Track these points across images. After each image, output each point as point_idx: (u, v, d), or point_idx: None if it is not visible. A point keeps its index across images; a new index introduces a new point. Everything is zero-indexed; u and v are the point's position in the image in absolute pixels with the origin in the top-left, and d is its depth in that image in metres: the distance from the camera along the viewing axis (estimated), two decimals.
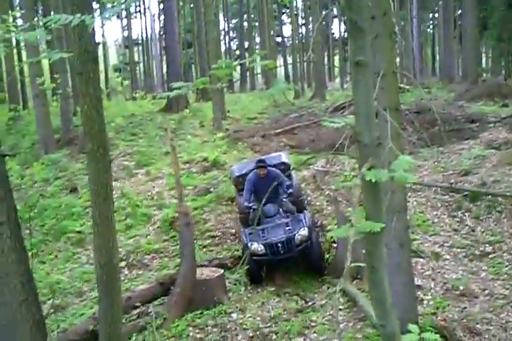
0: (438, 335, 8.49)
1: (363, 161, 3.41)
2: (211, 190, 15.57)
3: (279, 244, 10.73)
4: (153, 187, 16.79)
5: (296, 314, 9.82)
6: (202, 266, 10.85)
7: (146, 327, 9.63)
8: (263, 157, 13.07)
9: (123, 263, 12.41)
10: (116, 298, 6.06)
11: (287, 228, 10.91)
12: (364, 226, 3.40)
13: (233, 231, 13.53)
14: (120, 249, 12.67)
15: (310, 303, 10.31)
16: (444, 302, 9.84)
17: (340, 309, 9.94)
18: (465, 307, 9.78)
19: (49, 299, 10.91)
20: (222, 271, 10.63)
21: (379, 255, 3.74)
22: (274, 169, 11.82)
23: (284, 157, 13.05)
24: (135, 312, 10.09)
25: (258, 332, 9.41)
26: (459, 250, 11.89)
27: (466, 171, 15.18)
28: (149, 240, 13.49)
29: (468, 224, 12.94)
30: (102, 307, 6.07)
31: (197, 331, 9.54)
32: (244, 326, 9.63)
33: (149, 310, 9.95)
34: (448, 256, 11.69)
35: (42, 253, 13.58)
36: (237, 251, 12.30)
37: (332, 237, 12.12)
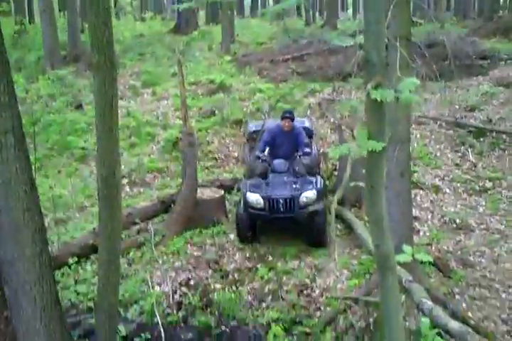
0: (432, 266, 8.82)
1: (370, 81, 3.38)
2: (216, 112, 15.50)
3: (281, 201, 9.45)
4: (159, 107, 16.72)
5: (292, 239, 9.98)
6: (203, 186, 10.93)
7: (144, 243, 9.83)
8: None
9: (125, 181, 12.53)
10: (117, 211, 6.11)
11: (294, 186, 9.62)
12: (366, 145, 3.40)
13: (236, 154, 13.59)
14: (123, 167, 12.77)
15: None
16: (440, 234, 10.03)
17: (336, 235, 10.11)
18: (460, 240, 9.97)
19: (51, 212, 11.06)
20: (222, 192, 10.75)
21: (379, 175, 3.78)
22: (299, 126, 10.65)
23: (308, 123, 11.92)
24: (135, 228, 10.26)
25: (255, 253, 9.61)
26: (459, 184, 11.99)
27: (472, 107, 15.10)
28: (152, 159, 13.56)
29: (471, 160, 13.00)
30: (102, 219, 6.14)
31: (195, 249, 9.74)
32: (241, 246, 9.83)
33: (149, 227, 10.13)
34: (448, 190, 11.80)
35: (45, 167, 13.67)
36: (239, 174, 12.37)
37: (334, 164, 12.22)
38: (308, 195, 9.51)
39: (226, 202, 11.02)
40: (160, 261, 9.39)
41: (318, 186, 9.80)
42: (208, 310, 8.42)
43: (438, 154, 13.21)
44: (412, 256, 4.07)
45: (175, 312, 8.45)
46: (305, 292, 8.60)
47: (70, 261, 9.18)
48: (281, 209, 9.42)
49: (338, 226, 10.25)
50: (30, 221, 5.89)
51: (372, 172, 3.79)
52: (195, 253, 9.58)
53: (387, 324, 4.40)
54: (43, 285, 6.03)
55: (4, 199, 5.77)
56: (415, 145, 13.14)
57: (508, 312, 8.18)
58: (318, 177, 10.07)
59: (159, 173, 13.02)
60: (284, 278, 8.87)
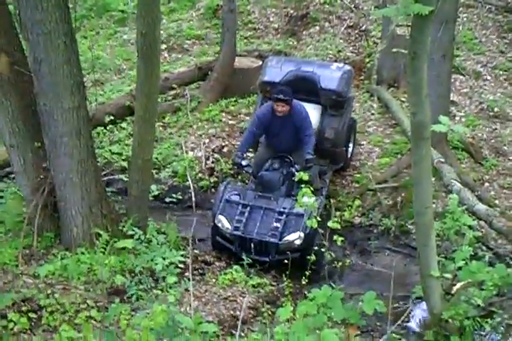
0: (464, 151, 8.77)
1: None
2: None
3: (254, 243, 7.02)
4: None
5: None
6: (241, 56, 10.76)
7: (180, 109, 9.91)
8: (294, 71, 8.15)
9: (163, 46, 12.32)
10: (155, 69, 6.07)
11: (275, 224, 7.00)
12: (412, 7, 3.24)
13: (276, 26, 13.17)
14: (161, 32, 12.55)
15: None
16: (476, 121, 9.86)
17: (372, 114, 10.05)
18: (495, 129, 9.82)
19: (88, 73, 11.04)
20: (260, 62, 10.55)
21: (423, 41, 3.65)
22: (301, 106, 7.43)
23: (339, 77, 8.09)
24: (171, 93, 10.27)
25: None
26: (501, 72, 11.60)
27: None
28: (191, 25, 13.21)
29: None
30: (140, 77, 6.12)
31: (229, 117, 9.78)
32: None
33: (185, 93, 10.13)
34: (489, 77, 11.45)
35: (83, 28, 13.46)
36: (279, 45, 12.10)
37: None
38: (291, 238, 6.97)
39: None
40: (195, 127, 9.49)
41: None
42: (239, 177, 8.57)
43: (483, 40, 12.66)
44: (449, 127, 3.97)
45: (207, 177, 8.63)
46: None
47: (107, 119, 9.28)
48: (253, 252, 7.02)
49: (374, 105, 10.15)
50: (69, 74, 5.87)
51: (417, 38, 3.65)
52: (230, 122, 9.63)
53: (416, 198, 4.44)
54: (80, 138, 6.11)
55: (44, 50, 5.71)
56: (460, 28, 12.62)
57: None
58: (318, 201, 6.91)
59: (198, 40, 12.75)
60: None
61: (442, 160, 7.95)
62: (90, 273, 5.88)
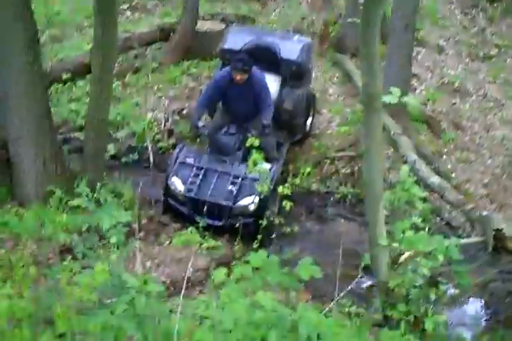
0: (423, 124, 8.85)
1: None
2: None
3: (207, 206, 6.88)
4: None
5: None
6: (205, 19, 10.59)
7: (141, 69, 9.74)
8: (255, 41, 8.02)
9: (125, 6, 12.11)
10: (112, 28, 5.97)
11: (230, 187, 6.90)
12: None
13: None
14: None
15: None
16: (437, 94, 9.95)
17: (333, 83, 10.06)
18: (455, 103, 9.95)
19: (46, 28, 10.74)
20: (223, 26, 10.41)
21: (376, 11, 3.63)
22: (261, 75, 7.21)
23: (300, 49, 8.04)
24: (132, 53, 10.10)
25: None
26: (463, 48, 11.70)
27: None
28: None
29: (480, 24, 12.57)
30: (96, 36, 6.00)
31: (190, 79, 9.67)
32: None
33: (146, 53, 9.98)
34: (451, 52, 11.54)
35: None
36: (243, 10, 11.94)
37: None
38: (245, 202, 6.85)
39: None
40: (155, 88, 9.38)
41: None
42: (197, 140, 8.51)
43: (448, 14, 12.74)
44: (399, 98, 3.94)
45: (165, 139, 8.57)
46: None
47: (64, 76, 9.10)
48: (205, 214, 6.89)
49: (336, 74, 10.15)
50: (21, 29, 5.73)
51: (370, 7, 3.62)
52: (191, 84, 9.53)
53: (366, 168, 4.48)
54: (34, 95, 6.03)
55: None
56: (424, 0, 12.63)
57: (490, 177, 8.40)
58: (273, 168, 6.99)
59: (161, 2, 12.51)
60: None
61: (399, 131, 8.02)
62: (42, 230, 5.83)
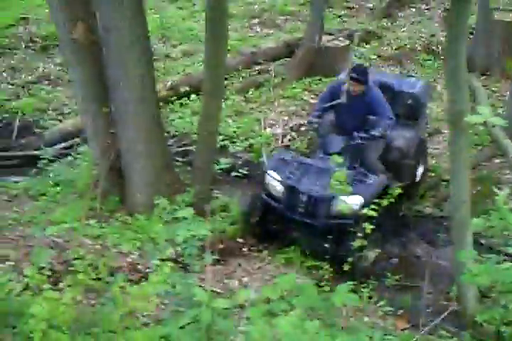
0: None
1: None
2: None
3: (304, 198, 6.29)
4: None
5: None
6: (330, 34, 10.54)
7: (264, 84, 9.87)
8: (379, 76, 7.64)
9: (256, 21, 12.33)
10: (223, 44, 6.21)
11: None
12: None
13: (371, 6, 12.79)
14: (255, 7, 12.60)
15: None
16: None
17: None
18: None
19: (180, 44, 11.10)
20: (348, 42, 10.32)
21: (462, 24, 3.43)
22: (378, 92, 6.81)
23: (421, 85, 7.64)
24: (257, 68, 10.26)
25: None
26: None
27: None
28: (286, 1, 13.05)
29: None
30: (207, 52, 6.19)
31: (312, 96, 9.65)
32: None
33: (270, 69, 10.07)
34: None
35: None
36: (371, 26, 11.77)
37: None
38: (348, 200, 5.82)
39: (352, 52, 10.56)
40: (276, 104, 9.44)
41: (373, 190, 6.28)
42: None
43: None
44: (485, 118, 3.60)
45: None
46: None
47: (182, 90, 9.42)
48: (300, 208, 6.32)
49: None
50: (136, 42, 5.93)
51: (457, 21, 3.41)
52: (312, 101, 9.48)
53: (453, 192, 4.22)
54: (145, 107, 6.21)
55: (112, 18, 5.81)
56: None
57: None
58: (379, 178, 6.53)
59: (291, 17, 12.61)
60: None
61: None
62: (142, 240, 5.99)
